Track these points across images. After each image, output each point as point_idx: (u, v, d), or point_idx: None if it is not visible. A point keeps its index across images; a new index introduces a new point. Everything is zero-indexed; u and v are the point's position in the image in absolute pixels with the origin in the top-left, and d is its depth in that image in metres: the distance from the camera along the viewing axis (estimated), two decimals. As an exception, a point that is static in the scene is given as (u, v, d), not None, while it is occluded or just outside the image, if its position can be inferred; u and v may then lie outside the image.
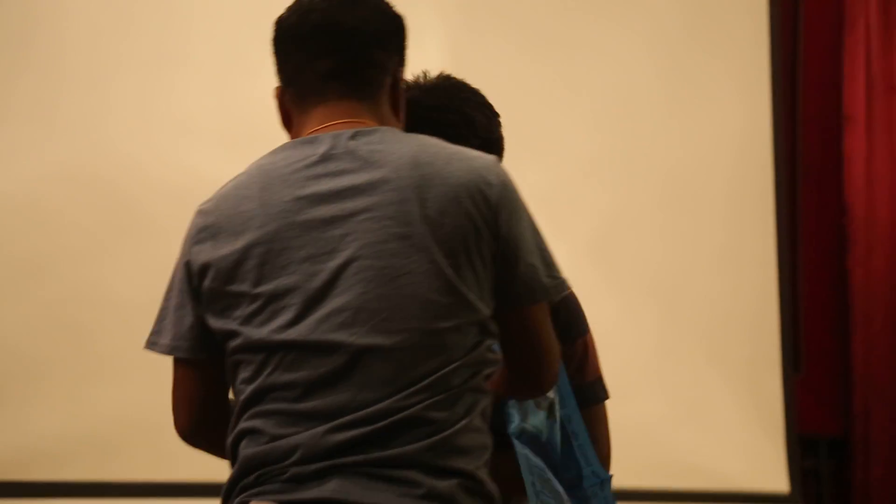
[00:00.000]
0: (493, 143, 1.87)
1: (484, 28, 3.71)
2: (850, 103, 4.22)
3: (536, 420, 1.81)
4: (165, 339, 1.61)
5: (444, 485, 1.47)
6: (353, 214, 1.53)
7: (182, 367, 1.63)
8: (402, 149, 1.58)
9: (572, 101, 3.78)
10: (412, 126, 1.74)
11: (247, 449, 1.52)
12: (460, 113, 1.86)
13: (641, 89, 3.84)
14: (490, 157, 1.62)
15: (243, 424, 1.53)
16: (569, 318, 1.87)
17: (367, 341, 1.51)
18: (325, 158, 1.57)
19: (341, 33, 1.64)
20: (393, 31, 1.68)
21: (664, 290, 3.79)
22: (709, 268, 3.86)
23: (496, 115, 1.91)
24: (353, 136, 1.58)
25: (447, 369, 1.51)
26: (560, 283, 1.62)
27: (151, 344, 1.61)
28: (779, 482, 3.83)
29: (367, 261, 1.52)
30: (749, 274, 3.95)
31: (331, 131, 1.59)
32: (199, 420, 1.63)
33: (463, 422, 1.52)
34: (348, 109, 1.61)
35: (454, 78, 1.91)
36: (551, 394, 1.84)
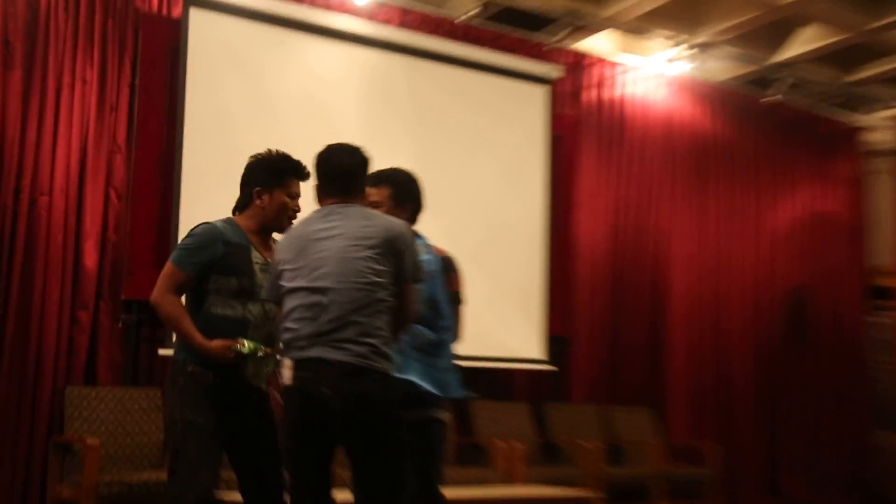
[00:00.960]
0: (401, 183, 2.63)
1: (431, 150, 5.33)
2: (577, 198, 6.14)
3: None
4: (266, 293, 2.53)
5: (362, 349, 2.25)
6: (333, 237, 2.33)
7: (277, 307, 2.48)
8: (360, 213, 2.39)
9: (466, 186, 5.58)
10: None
11: (284, 336, 2.35)
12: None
13: (498, 181, 5.74)
14: (400, 220, 2.42)
15: (285, 325, 2.33)
16: (449, 267, 2.69)
17: (332, 286, 2.27)
18: (326, 215, 2.39)
19: (342, 173, 2.45)
20: (365, 166, 2.50)
21: (499, 273, 5.65)
22: (519, 265, 5.78)
23: (414, 183, 2.63)
24: (340, 208, 2.39)
25: (367, 300, 2.28)
26: (422, 276, 2.42)
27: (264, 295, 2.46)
28: (542, 355, 5.87)
29: (336, 254, 2.31)
30: (536, 272, 5.87)
31: (330, 206, 2.41)
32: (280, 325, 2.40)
33: (374, 323, 2.29)
34: (341, 200, 2.44)
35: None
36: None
